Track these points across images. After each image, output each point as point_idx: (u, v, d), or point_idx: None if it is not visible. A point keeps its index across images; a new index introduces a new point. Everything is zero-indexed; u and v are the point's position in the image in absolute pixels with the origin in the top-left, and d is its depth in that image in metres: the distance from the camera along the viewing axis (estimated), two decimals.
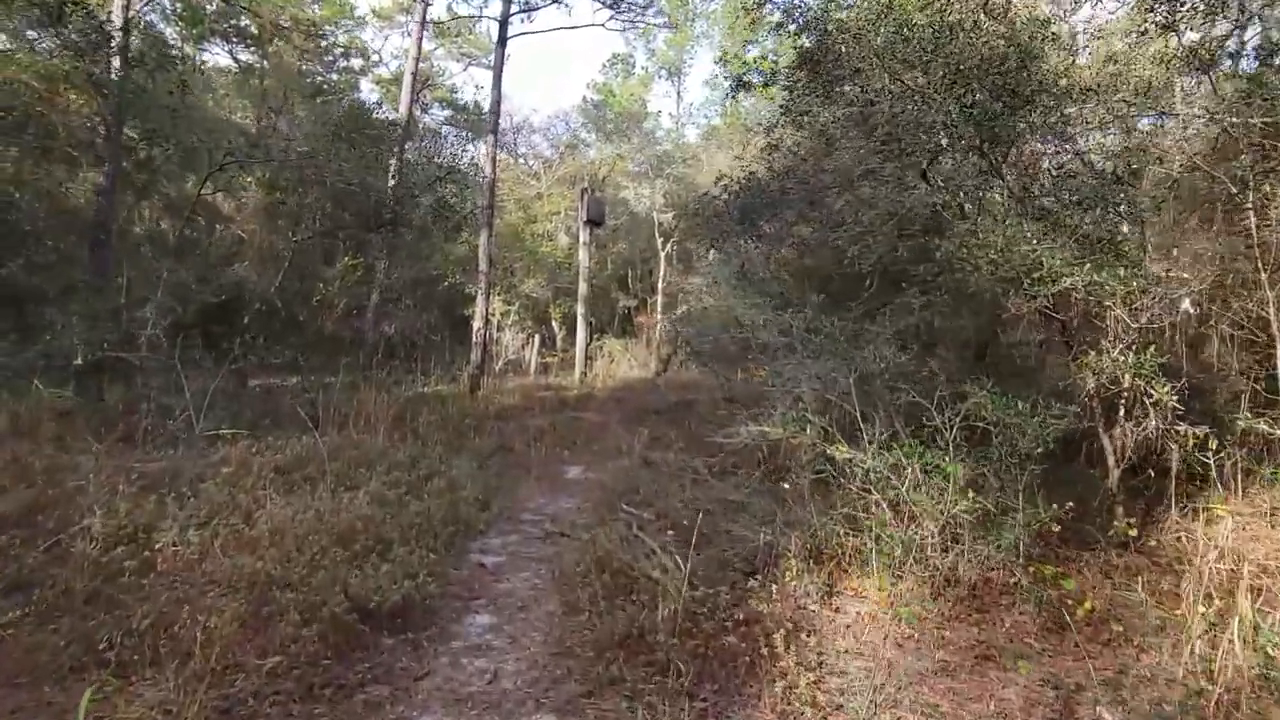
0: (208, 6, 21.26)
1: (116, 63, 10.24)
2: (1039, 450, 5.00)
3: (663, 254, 26.63)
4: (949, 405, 5.19)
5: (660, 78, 49.01)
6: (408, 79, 17.95)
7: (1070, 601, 4.64)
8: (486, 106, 26.34)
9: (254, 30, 22.57)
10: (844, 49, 8.49)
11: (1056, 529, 4.85)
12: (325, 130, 11.42)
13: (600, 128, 30.94)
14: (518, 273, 24.24)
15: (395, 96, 33.52)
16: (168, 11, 20.21)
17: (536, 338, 20.35)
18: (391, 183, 12.74)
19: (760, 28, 11.15)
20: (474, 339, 15.78)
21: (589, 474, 9.97)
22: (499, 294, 20.09)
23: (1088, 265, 5.42)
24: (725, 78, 11.10)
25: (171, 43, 19.36)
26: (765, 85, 10.61)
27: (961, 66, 6.76)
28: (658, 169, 27.74)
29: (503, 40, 15.32)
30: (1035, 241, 5.60)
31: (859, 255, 8.40)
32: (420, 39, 17.57)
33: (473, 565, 5.92)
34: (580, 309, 18.74)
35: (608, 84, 40.72)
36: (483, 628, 4.78)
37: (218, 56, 23.75)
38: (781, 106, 10.33)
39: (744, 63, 11.20)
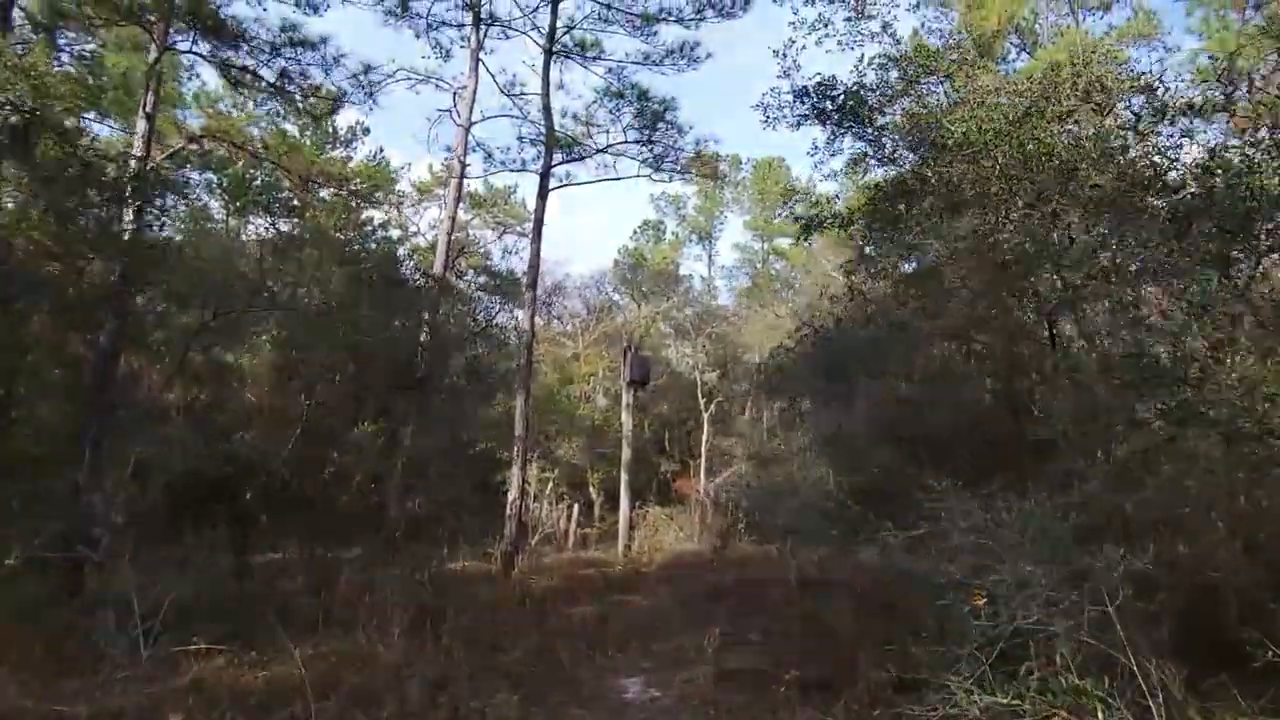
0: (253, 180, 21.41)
1: (129, 215, 9.37)
2: None
3: (706, 415, 25.16)
4: None
5: (691, 241, 49.77)
6: (443, 239, 17.34)
7: None
8: (521, 270, 26.11)
9: (295, 202, 22.67)
10: (955, 173, 7.29)
11: None
12: (349, 278, 10.37)
13: (635, 288, 30.47)
14: (554, 438, 22.79)
15: (431, 263, 33.86)
16: (213, 184, 20.25)
17: (575, 507, 18.56)
18: (424, 338, 11.55)
19: (825, 167, 10.12)
20: (509, 510, 14.06)
21: (652, 691, 7.92)
22: (534, 460, 18.52)
23: None
24: (796, 219, 9.75)
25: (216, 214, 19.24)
26: (843, 226, 9.40)
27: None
28: (698, 327, 26.87)
29: (543, 193, 14.68)
30: None
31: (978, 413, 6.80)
32: (460, 188, 17.08)
33: None
34: (624, 476, 17.07)
35: (639, 249, 41.02)
36: None
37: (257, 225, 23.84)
38: (868, 243, 9.12)
39: (815, 203, 10.02)
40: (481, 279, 34.93)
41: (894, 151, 9.34)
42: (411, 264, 14.41)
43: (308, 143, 14.97)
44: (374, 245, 27.74)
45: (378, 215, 28.07)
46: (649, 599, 12.42)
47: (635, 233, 46.02)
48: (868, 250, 10.22)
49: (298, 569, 10.81)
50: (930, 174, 8.02)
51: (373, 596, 9.38)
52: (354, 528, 11.77)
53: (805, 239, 10.39)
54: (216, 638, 7.29)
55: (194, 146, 11.84)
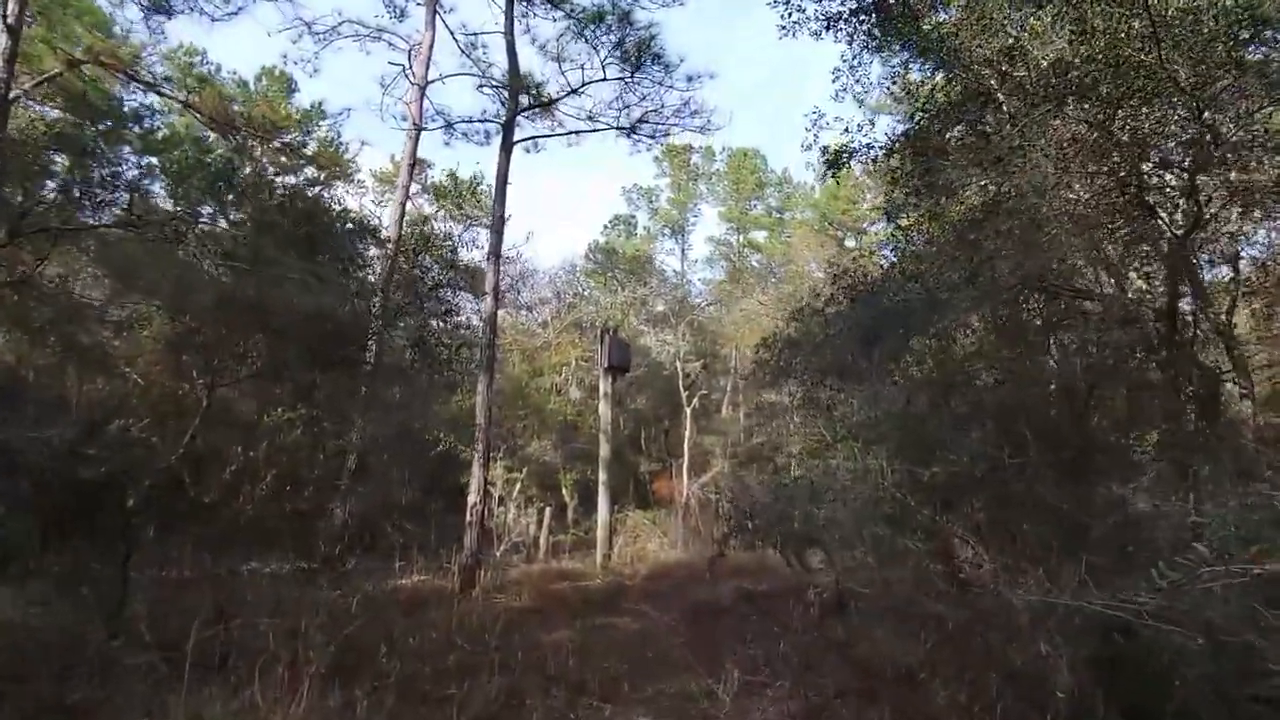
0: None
1: None
2: None
3: (688, 409, 23.16)
4: None
5: (663, 235, 47.88)
6: (395, 205, 15.17)
7: None
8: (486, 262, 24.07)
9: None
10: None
11: None
12: (258, 224, 8.19)
13: (609, 276, 28.40)
14: (522, 434, 20.61)
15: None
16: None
17: (546, 511, 16.42)
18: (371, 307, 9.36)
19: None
20: (469, 516, 11.92)
21: None
22: (500, 459, 16.34)
23: None
24: (822, 151, 7.62)
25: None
26: (887, 155, 7.41)
27: None
28: (678, 314, 24.88)
29: (507, 146, 12.53)
30: None
31: None
32: (414, 153, 14.91)
33: None
34: (602, 475, 14.98)
35: (610, 242, 38.98)
36: None
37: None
38: (912, 179, 7.17)
39: (845, 130, 7.96)
40: (448, 274, 32.76)
41: (948, 60, 7.36)
42: (352, 222, 12.11)
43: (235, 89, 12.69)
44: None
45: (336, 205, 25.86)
46: (637, 620, 10.37)
47: (606, 227, 44.07)
48: (896, 195, 8.27)
49: (199, 591, 8.62)
50: (1016, 69, 6.07)
51: (290, 628, 7.25)
52: (276, 538, 9.57)
53: (832, 174, 8.41)
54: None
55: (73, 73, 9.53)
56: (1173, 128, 5.54)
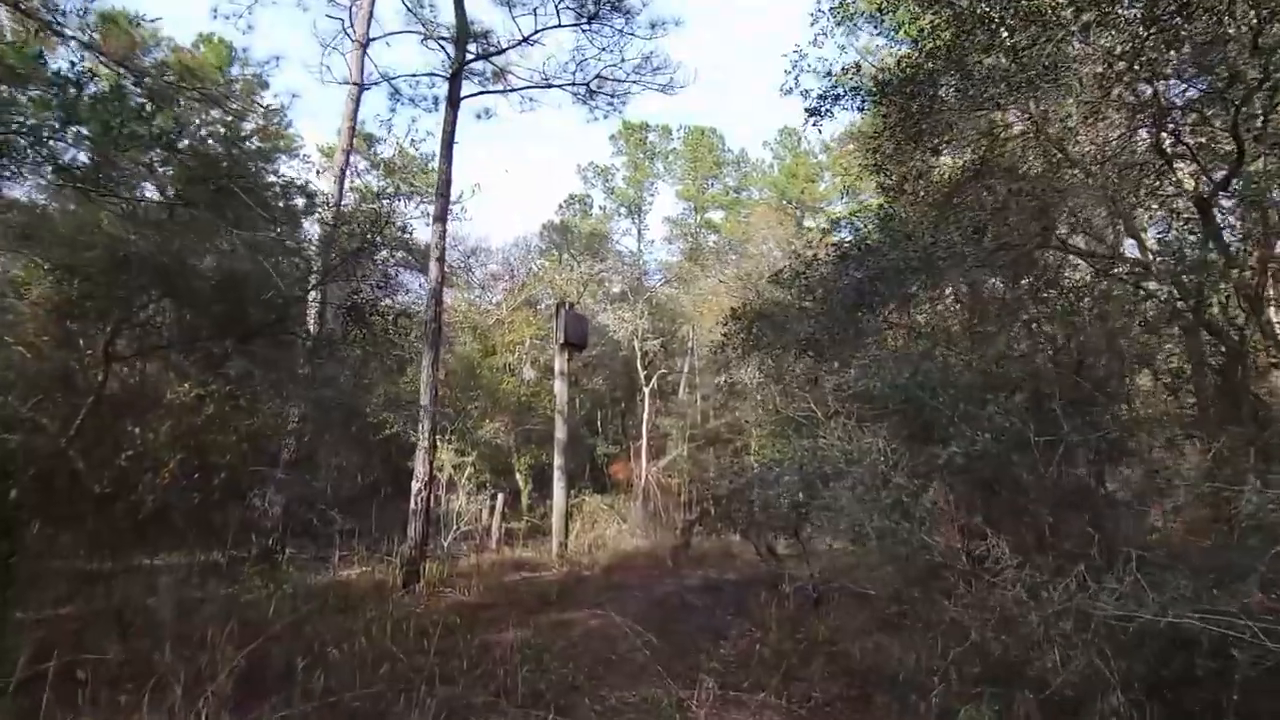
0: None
1: None
2: None
3: (647, 390, 22.34)
4: None
5: (620, 215, 46.87)
6: (335, 169, 13.99)
7: None
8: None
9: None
10: None
11: None
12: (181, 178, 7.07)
13: (566, 253, 27.35)
14: (473, 416, 19.53)
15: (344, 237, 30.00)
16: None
17: (499, 497, 15.46)
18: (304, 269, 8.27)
19: None
20: (413, 504, 10.93)
21: None
22: (448, 441, 15.31)
23: None
24: (804, 95, 6.69)
25: None
26: (877, 98, 6.59)
27: None
28: (635, 290, 23.98)
29: (454, 100, 11.44)
30: None
31: None
32: (355, 114, 13.73)
33: None
34: (557, 459, 14.07)
35: (566, 222, 37.82)
36: None
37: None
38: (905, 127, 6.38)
39: (829, 74, 7.09)
40: (400, 254, 31.30)
41: None
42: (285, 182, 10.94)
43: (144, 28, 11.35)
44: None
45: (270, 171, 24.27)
46: (596, 617, 9.54)
47: (561, 206, 42.92)
48: (885, 146, 7.47)
49: (98, 591, 7.55)
50: None
51: (198, 635, 6.27)
52: (190, 531, 8.49)
53: (815, 123, 7.55)
54: None
55: None
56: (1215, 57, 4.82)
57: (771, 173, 45.21)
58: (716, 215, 45.77)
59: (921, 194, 7.39)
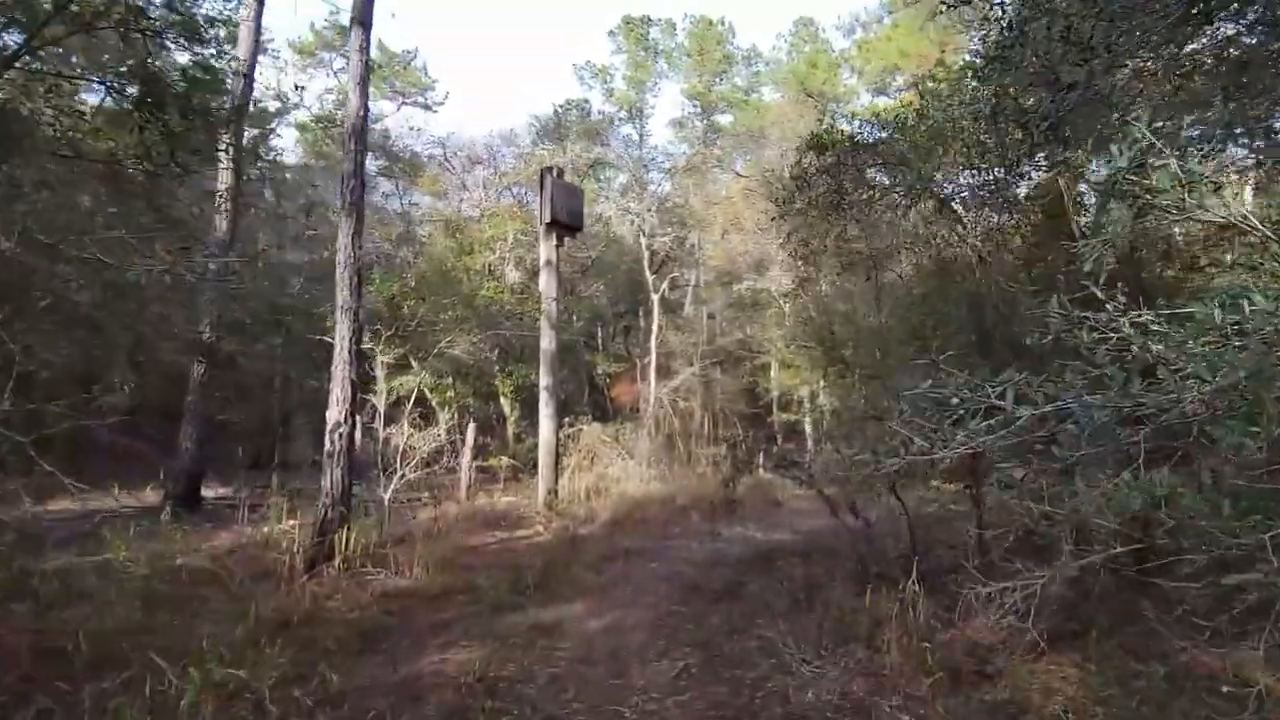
0: None
1: None
2: None
3: (655, 297, 18.69)
4: None
5: (619, 120, 42.19)
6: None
7: None
8: (425, 149, 19.03)
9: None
10: None
11: None
12: None
13: (561, 139, 23.24)
14: (445, 328, 15.92)
15: (319, 141, 25.85)
16: None
17: (471, 427, 11.99)
18: None
19: None
20: (327, 443, 7.45)
21: None
22: (389, 349, 11.62)
23: None
24: None
25: None
26: None
27: None
28: (641, 182, 20.10)
29: None
30: None
31: None
32: None
33: None
34: (544, 377, 10.54)
35: (560, 114, 33.57)
36: None
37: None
38: None
39: None
40: (381, 162, 27.17)
41: None
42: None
43: None
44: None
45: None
46: (597, 615, 6.18)
47: (557, 111, 38.44)
48: None
49: None
50: None
51: None
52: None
53: None
54: None
55: None
56: None
57: (787, 64, 40.43)
58: (725, 119, 41.32)
59: None
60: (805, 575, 7.01)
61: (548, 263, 10.51)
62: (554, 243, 10.54)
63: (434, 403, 18.16)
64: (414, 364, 17.05)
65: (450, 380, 17.75)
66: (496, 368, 16.92)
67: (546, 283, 10.46)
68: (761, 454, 9.98)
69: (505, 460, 13.41)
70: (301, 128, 26.66)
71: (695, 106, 42.61)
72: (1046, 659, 4.47)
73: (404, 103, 29.17)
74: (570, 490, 10.94)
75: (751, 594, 6.65)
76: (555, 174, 10.75)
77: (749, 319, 23.23)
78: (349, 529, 7.32)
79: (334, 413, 7.42)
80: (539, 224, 10.82)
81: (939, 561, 7.26)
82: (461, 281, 16.36)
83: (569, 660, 5.15)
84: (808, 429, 19.68)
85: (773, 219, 9.75)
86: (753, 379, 24.97)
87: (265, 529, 8.32)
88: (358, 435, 8.59)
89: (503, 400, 17.65)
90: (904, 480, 6.67)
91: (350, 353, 7.52)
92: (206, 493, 12.81)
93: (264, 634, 5.38)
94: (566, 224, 10.57)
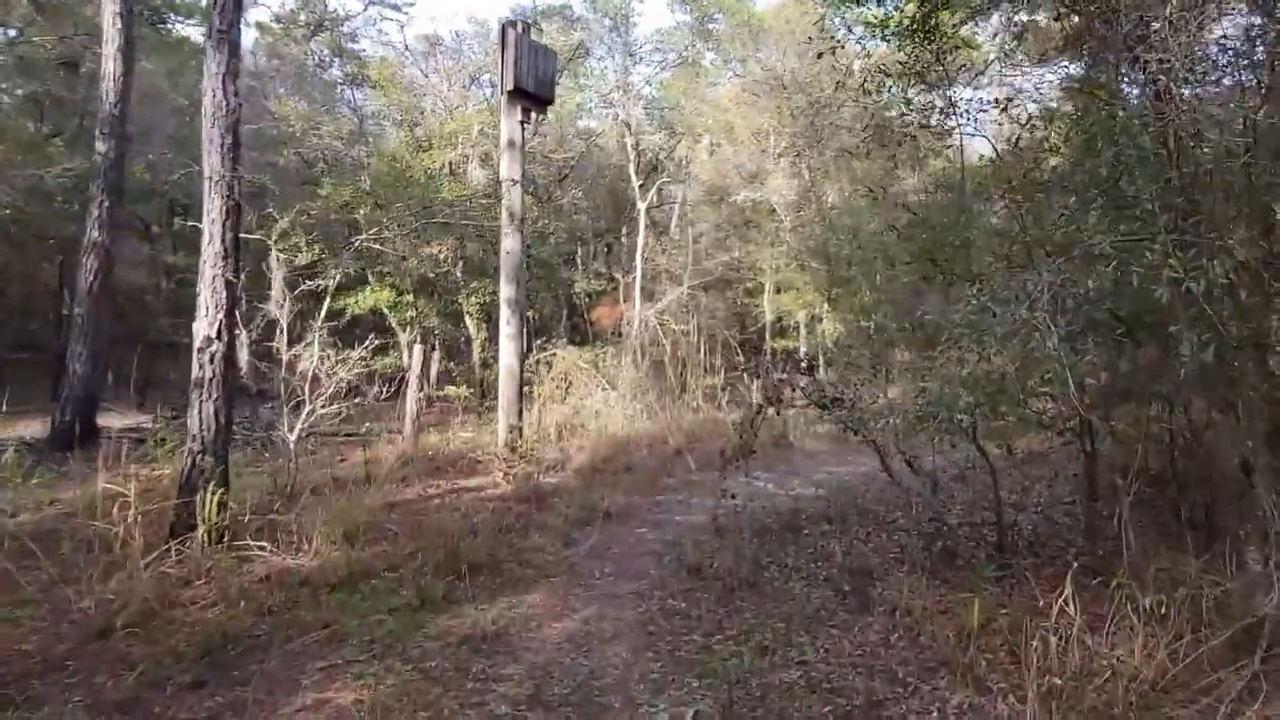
0: None
1: None
2: None
3: (642, 206, 16.45)
4: None
5: (602, 27, 38.86)
6: None
7: None
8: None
9: None
10: None
11: None
12: None
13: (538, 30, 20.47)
14: (400, 237, 13.66)
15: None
16: None
17: (419, 350, 9.89)
18: None
19: None
20: (195, 367, 5.37)
21: None
22: (289, 246, 9.35)
23: None
24: None
25: None
26: None
27: None
28: (625, 85, 17.57)
29: None
30: None
31: None
32: None
33: None
34: (506, 289, 8.44)
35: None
36: None
37: None
38: None
39: None
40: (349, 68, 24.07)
41: None
42: None
43: None
44: None
45: None
46: (564, 606, 4.32)
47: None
48: None
49: None
50: None
51: None
52: None
53: None
54: None
55: None
56: None
57: None
58: (718, 28, 38.08)
59: None
60: (846, 551, 5.14)
61: (510, 143, 8.28)
62: (519, 117, 8.30)
63: (393, 322, 16.12)
64: (370, 279, 14.97)
65: (411, 298, 15.65)
66: (461, 284, 14.75)
67: (509, 166, 8.24)
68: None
69: (462, 390, 11.38)
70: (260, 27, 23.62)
71: (686, 14, 39.30)
72: None
73: (370, 2, 25.94)
74: (539, 427, 9.00)
75: (776, 583, 4.77)
76: (520, 29, 8.43)
77: (741, 236, 21.14)
78: (226, 485, 5.33)
79: (202, 325, 5.33)
80: (500, 91, 8.53)
81: (1032, 534, 5.42)
82: (418, 182, 14.01)
83: (513, 703, 3.27)
84: (811, 355, 17.78)
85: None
86: (744, 302, 23.01)
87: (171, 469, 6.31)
88: (243, 355, 6.52)
89: (467, 320, 15.54)
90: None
91: (224, 242, 5.39)
92: (110, 422, 10.81)
93: (68, 646, 3.54)
94: (534, 94, 8.31)
